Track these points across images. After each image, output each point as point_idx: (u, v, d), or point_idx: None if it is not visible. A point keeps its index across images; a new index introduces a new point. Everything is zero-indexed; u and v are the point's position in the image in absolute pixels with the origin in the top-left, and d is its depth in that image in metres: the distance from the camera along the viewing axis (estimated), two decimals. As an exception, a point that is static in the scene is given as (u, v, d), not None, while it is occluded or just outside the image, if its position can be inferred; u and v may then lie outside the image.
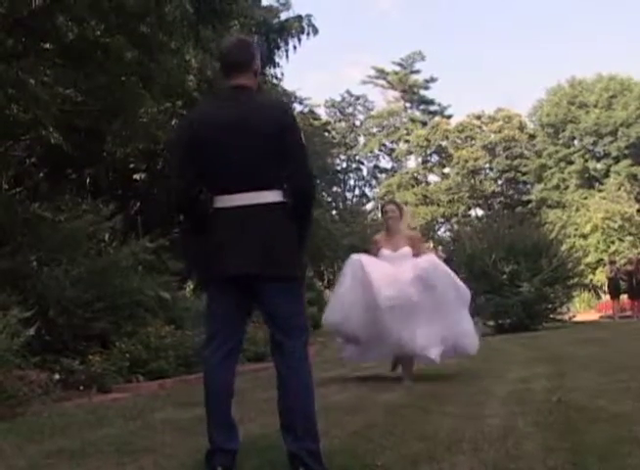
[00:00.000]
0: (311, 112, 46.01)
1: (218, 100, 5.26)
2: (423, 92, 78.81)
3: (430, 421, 6.44)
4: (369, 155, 79.31)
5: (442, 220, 73.20)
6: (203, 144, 4.63)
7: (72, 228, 12.78)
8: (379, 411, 7.20)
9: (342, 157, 75.35)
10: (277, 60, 21.77)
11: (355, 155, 78.59)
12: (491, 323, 25.46)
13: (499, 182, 73.41)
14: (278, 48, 21.04)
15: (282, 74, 23.39)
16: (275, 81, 23.83)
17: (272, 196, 4.58)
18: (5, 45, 13.50)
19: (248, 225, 4.53)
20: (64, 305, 11.16)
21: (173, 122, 18.15)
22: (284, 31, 20.77)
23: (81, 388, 10.28)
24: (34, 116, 13.29)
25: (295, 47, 21.30)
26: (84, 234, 12.98)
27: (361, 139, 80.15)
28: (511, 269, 24.77)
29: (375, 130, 79.74)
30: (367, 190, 79.41)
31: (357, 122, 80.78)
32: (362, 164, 79.46)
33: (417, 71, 78.40)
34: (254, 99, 4.88)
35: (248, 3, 16.66)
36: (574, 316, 28.80)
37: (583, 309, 43.35)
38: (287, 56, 21.54)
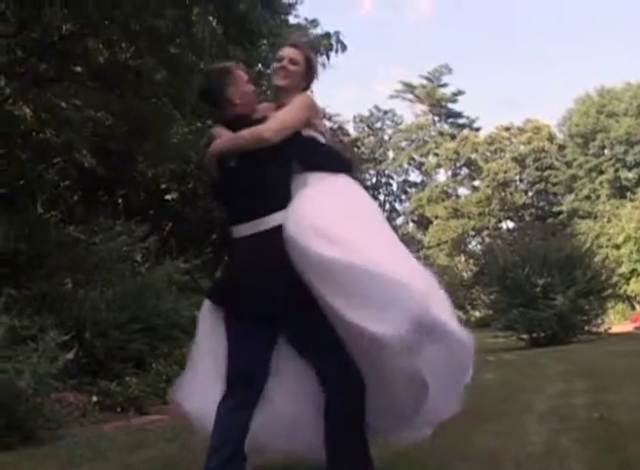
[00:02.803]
0: (340, 128, 45.94)
1: None
2: (451, 105, 78.71)
3: (472, 440, 6.39)
4: (398, 169, 79.13)
5: (473, 233, 72.83)
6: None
7: (107, 250, 12.88)
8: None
9: (372, 172, 75.29)
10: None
11: (384, 169, 78.49)
12: (525, 336, 25.30)
13: (529, 194, 72.95)
14: (307, 66, 21.08)
15: (312, 92, 23.27)
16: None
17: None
18: (37, 69, 13.61)
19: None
20: (100, 326, 11.22)
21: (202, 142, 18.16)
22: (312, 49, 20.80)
23: (119, 410, 10.32)
24: (67, 139, 13.37)
25: (323, 65, 21.30)
26: (119, 256, 13.06)
27: (390, 154, 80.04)
28: (544, 282, 24.59)
29: (404, 144, 79.59)
30: (397, 205, 79.32)
31: (386, 137, 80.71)
32: (391, 178, 79.33)
33: (444, 85, 78.30)
34: None
35: (276, 22, 16.62)
36: (610, 328, 28.55)
37: (618, 321, 42.96)
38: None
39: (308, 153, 4.72)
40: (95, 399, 10.06)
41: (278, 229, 4.41)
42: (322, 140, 4.87)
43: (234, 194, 4.65)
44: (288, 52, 4.86)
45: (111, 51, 13.97)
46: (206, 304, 4.82)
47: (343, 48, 21.02)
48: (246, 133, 4.53)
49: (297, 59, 4.84)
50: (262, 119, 4.63)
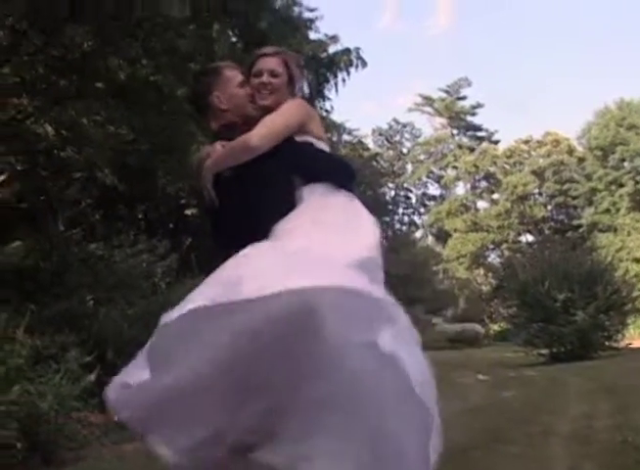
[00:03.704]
0: (360, 142, 46.06)
1: None
2: (470, 118, 78.62)
3: (495, 464, 6.36)
4: (417, 182, 79.11)
5: (492, 247, 72.59)
6: None
7: (128, 268, 12.91)
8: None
9: (391, 185, 75.29)
10: (326, 93, 21.91)
11: (403, 183, 78.46)
12: (545, 351, 25.16)
13: (549, 207, 72.73)
14: (327, 82, 21.17)
15: (332, 108, 23.61)
16: (324, 114, 24.00)
17: None
18: (59, 87, 13.69)
19: None
20: (121, 345, 11.21)
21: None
22: (333, 65, 20.86)
23: (139, 429, 10.28)
24: (89, 157, 13.44)
25: (344, 80, 21.43)
26: (140, 274, 13.09)
27: (409, 167, 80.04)
28: (565, 297, 24.43)
29: (422, 158, 79.56)
30: (416, 218, 79.22)
31: (405, 150, 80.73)
32: (410, 191, 79.30)
33: (463, 98, 78.29)
34: None
35: (297, 39, 16.71)
36: (630, 344, 28.33)
37: (639, 336, 42.69)
38: (336, 89, 21.70)
39: (304, 160, 4.23)
40: (116, 418, 10.06)
41: None
42: (321, 146, 4.35)
43: (230, 212, 4.14)
44: (265, 64, 4.36)
45: (132, 68, 14.02)
46: None
47: (364, 64, 21.18)
48: (233, 144, 4.10)
49: (276, 69, 4.34)
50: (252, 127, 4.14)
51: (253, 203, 4.07)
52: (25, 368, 8.08)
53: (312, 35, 22.27)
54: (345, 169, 4.43)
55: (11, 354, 7.92)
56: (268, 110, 4.24)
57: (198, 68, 14.17)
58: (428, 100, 78.95)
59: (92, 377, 8.79)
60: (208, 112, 4.32)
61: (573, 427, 8.51)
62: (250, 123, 4.16)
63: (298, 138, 4.22)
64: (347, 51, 21.26)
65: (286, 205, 4.04)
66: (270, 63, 4.33)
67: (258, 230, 3.87)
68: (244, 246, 3.67)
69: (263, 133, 4.07)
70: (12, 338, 8.39)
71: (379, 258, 3.95)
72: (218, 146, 4.15)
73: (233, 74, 4.35)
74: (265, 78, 4.27)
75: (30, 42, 13.85)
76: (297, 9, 18.93)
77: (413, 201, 79.22)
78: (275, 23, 13.64)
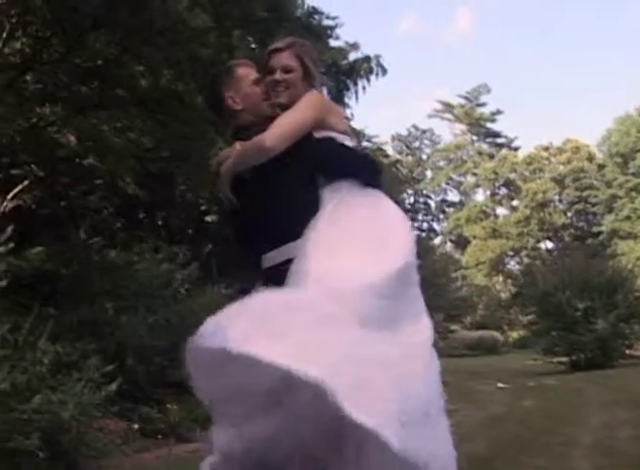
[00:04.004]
0: (379, 149, 45.96)
1: None
2: (489, 125, 78.53)
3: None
4: (436, 189, 79.11)
5: (512, 254, 72.40)
6: None
7: (149, 276, 12.94)
8: (463, 463, 7.08)
9: (410, 191, 75.20)
10: (347, 100, 21.93)
11: (422, 189, 78.44)
12: (565, 360, 25.07)
13: (569, 214, 72.50)
14: (347, 89, 21.23)
15: (352, 115, 23.60)
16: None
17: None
18: (80, 95, 13.74)
19: None
20: (141, 353, 11.24)
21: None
22: (353, 73, 20.93)
23: (160, 437, 10.31)
24: (110, 167, 13.49)
25: (364, 88, 21.51)
26: (161, 282, 13.12)
27: (428, 173, 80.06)
28: (585, 306, 24.36)
29: (442, 164, 79.58)
30: (435, 224, 79.14)
31: (424, 156, 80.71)
32: (429, 198, 79.27)
33: (483, 104, 78.24)
34: None
35: (317, 47, 16.70)
36: (651, 352, 28.23)
37: (659, 344, 42.44)
38: (356, 97, 21.76)
39: (325, 157, 3.98)
40: (136, 426, 10.08)
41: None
42: (344, 140, 4.04)
43: (252, 214, 3.95)
44: (277, 60, 4.06)
45: (153, 76, 14.05)
46: None
47: (384, 72, 21.25)
48: (248, 145, 3.87)
49: (289, 64, 4.03)
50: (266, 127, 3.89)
51: (274, 205, 3.89)
52: (47, 376, 8.09)
53: (332, 42, 22.33)
54: (370, 165, 4.23)
55: (33, 363, 7.93)
56: (285, 107, 4.02)
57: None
58: (447, 106, 78.96)
59: (113, 386, 8.79)
60: (225, 114, 4.12)
61: (596, 438, 8.47)
62: (267, 122, 3.92)
63: (318, 134, 3.98)
64: (368, 58, 21.35)
65: (309, 205, 3.86)
66: (282, 58, 4.05)
67: (281, 233, 3.79)
68: (268, 250, 3.74)
69: (277, 133, 3.84)
70: (34, 345, 8.40)
71: (413, 259, 3.75)
72: (238, 147, 3.95)
73: (246, 72, 4.12)
74: (278, 75, 4.01)
75: (53, 50, 13.91)
76: (317, 16, 18.96)
77: (432, 207, 79.22)
78: (296, 31, 13.61)
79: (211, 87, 4.17)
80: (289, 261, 3.69)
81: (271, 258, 3.81)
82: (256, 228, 3.95)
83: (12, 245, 9.16)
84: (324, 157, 3.96)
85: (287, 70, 4.00)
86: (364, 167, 4.10)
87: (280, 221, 3.82)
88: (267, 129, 3.83)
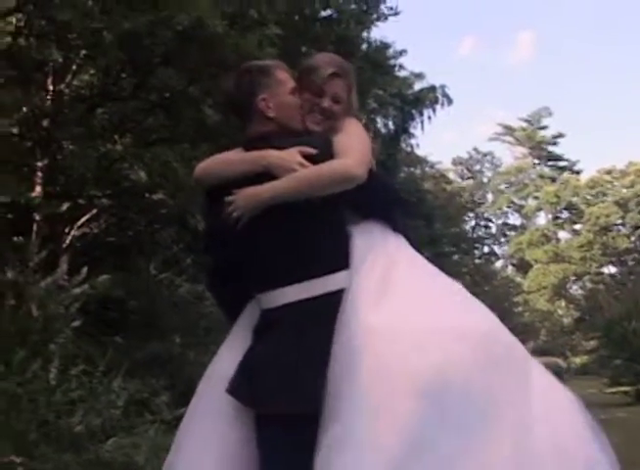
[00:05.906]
0: (443, 176, 45.94)
1: None
2: (551, 148, 77.98)
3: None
4: (497, 212, 78.64)
5: (574, 278, 71.65)
6: None
7: (218, 312, 12.97)
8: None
9: (471, 214, 74.81)
10: (412, 130, 21.91)
11: (483, 212, 78.01)
12: (629, 389, 24.68)
13: (632, 238, 71.56)
14: (413, 119, 21.18)
15: (417, 145, 23.58)
16: (409, 150, 24.01)
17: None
18: (150, 130, 13.86)
19: None
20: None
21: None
22: (418, 103, 20.88)
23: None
24: (181, 204, 13.58)
25: (429, 117, 21.45)
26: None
27: (489, 196, 79.61)
28: (651, 336, 23.99)
29: (503, 187, 79.17)
30: (496, 248, 78.60)
31: (485, 180, 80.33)
32: (491, 221, 78.82)
33: (544, 127, 77.71)
34: None
35: (388, 78, 16.69)
36: None
37: None
38: (422, 126, 21.69)
39: (360, 191, 3.21)
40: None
41: (337, 295, 3.13)
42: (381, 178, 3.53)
43: (263, 243, 3.28)
44: (331, 86, 3.44)
45: (224, 112, 14.15)
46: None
47: (450, 102, 21.20)
48: (324, 170, 3.18)
49: (342, 96, 3.47)
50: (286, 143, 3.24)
51: (302, 237, 3.24)
52: (121, 418, 8.14)
53: (398, 71, 22.35)
54: (402, 205, 3.77)
55: (107, 405, 7.97)
56: (309, 132, 3.44)
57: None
58: (508, 129, 78.56)
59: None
60: (249, 114, 3.38)
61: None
62: (287, 136, 3.34)
63: None
64: (433, 88, 21.31)
65: (338, 243, 3.28)
66: (337, 87, 3.47)
67: (306, 268, 3.19)
68: (281, 286, 3.17)
69: (361, 160, 3.23)
70: (108, 385, 8.45)
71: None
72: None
73: (285, 78, 3.46)
74: (327, 103, 3.43)
75: (123, 84, 14.08)
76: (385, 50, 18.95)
77: (493, 230, 78.78)
78: (364, 67, 13.57)
79: (241, 82, 3.42)
80: (334, 293, 3.14)
81: (295, 292, 3.17)
82: (278, 260, 3.25)
83: (84, 275, 9.25)
84: (359, 192, 3.21)
85: (336, 100, 3.45)
86: (398, 209, 3.58)
87: (305, 255, 3.23)
88: (338, 155, 3.23)
